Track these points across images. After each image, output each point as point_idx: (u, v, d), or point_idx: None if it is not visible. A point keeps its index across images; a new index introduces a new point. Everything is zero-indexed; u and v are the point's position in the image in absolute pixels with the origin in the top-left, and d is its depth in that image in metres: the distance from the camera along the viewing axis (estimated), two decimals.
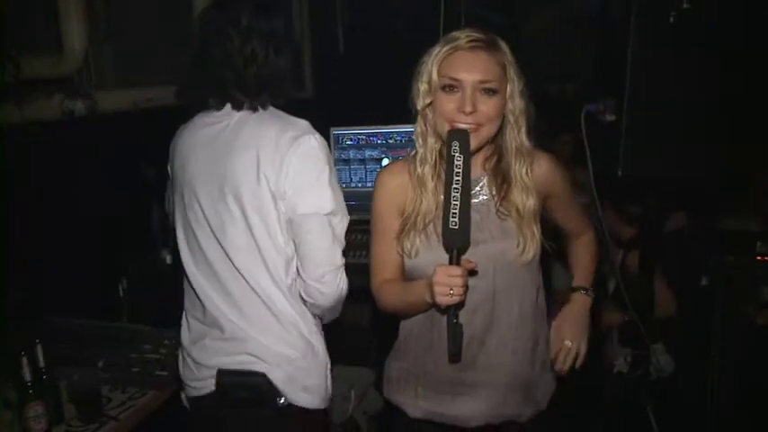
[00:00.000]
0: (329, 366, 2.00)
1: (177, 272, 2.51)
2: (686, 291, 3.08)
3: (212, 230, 1.90)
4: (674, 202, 3.18)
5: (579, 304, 1.98)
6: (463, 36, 1.68)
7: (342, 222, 1.89)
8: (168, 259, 2.59)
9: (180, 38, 3.24)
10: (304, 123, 1.90)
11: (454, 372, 1.81)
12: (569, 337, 1.91)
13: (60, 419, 2.06)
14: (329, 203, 1.85)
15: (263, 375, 1.87)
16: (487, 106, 1.66)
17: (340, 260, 1.90)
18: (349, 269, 2.27)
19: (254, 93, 1.87)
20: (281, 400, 1.89)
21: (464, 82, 1.65)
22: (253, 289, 1.88)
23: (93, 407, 2.09)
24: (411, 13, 4.02)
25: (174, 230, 2.08)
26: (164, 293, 2.87)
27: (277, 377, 1.87)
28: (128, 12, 3.12)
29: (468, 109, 1.64)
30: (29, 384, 1.93)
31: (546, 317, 1.92)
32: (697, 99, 2.16)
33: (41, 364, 2.00)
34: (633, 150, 2.19)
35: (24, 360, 1.92)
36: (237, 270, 1.89)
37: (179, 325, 2.13)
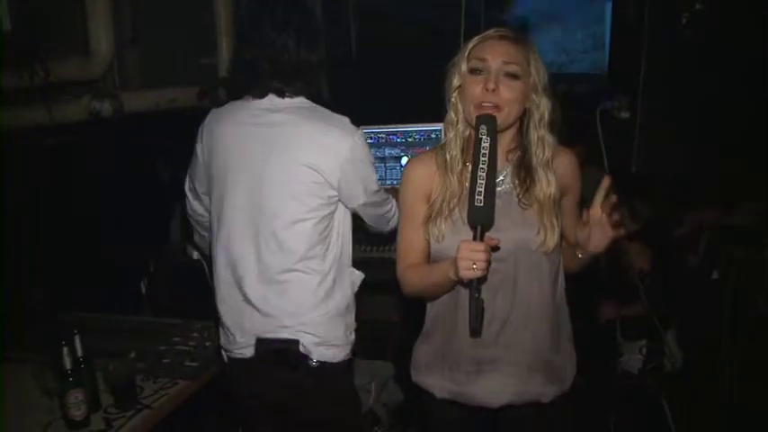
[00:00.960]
0: (354, 325, 2.22)
1: (201, 264, 2.61)
2: (698, 285, 3.14)
3: (254, 210, 2.08)
4: (688, 203, 3.23)
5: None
6: (492, 30, 1.83)
7: (378, 195, 2.19)
8: (195, 255, 2.66)
9: (202, 40, 3.34)
10: (344, 120, 2.10)
11: (477, 350, 1.89)
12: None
13: (98, 407, 2.12)
14: (367, 192, 2.13)
15: (296, 342, 2.07)
16: (509, 89, 1.77)
17: (390, 221, 2.26)
18: (370, 263, 2.39)
19: (288, 79, 2.05)
20: (313, 362, 2.09)
21: (489, 62, 1.77)
22: (289, 269, 2.08)
23: (128, 395, 2.15)
24: (422, 17, 4.10)
25: (208, 212, 2.25)
26: (185, 290, 2.95)
27: (307, 342, 2.08)
28: (152, 15, 3.19)
29: (491, 86, 1.75)
30: (69, 372, 2.00)
31: (566, 309, 1.99)
32: (710, 98, 2.22)
33: (80, 353, 2.07)
34: (647, 147, 2.26)
35: (65, 350, 2.00)
36: (272, 252, 2.08)
37: (204, 318, 2.27)
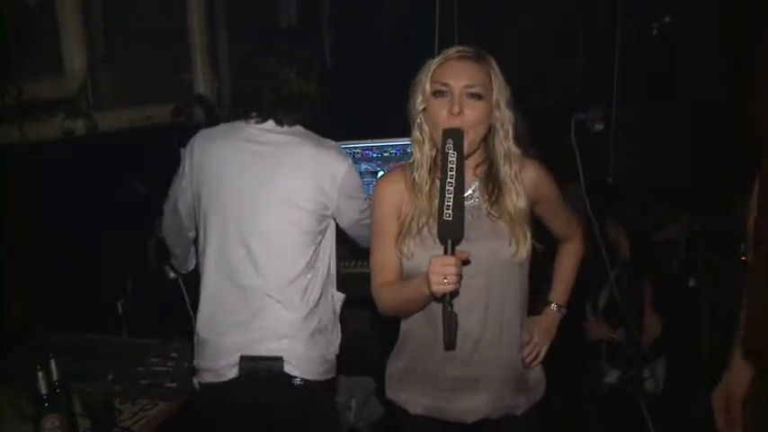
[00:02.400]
0: (337, 345, 2.28)
1: (178, 284, 2.59)
2: (674, 292, 3.15)
3: (247, 229, 2.14)
4: (668, 212, 3.25)
5: (550, 318, 2.14)
6: (453, 49, 1.86)
7: (367, 212, 2.22)
8: (172, 274, 2.64)
9: (176, 57, 3.32)
10: (337, 146, 2.25)
11: (452, 368, 1.91)
12: (538, 336, 2.05)
13: None
14: (360, 211, 2.26)
15: (279, 359, 2.11)
16: (473, 111, 1.79)
17: None
18: (350, 278, 2.40)
19: (288, 110, 2.18)
20: (297, 380, 2.13)
21: (452, 86, 1.79)
22: (277, 288, 2.14)
23: (106, 419, 2.13)
24: (396, 29, 4.10)
25: (196, 232, 2.31)
26: (163, 309, 2.92)
27: (291, 360, 2.12)
28: (124, 32, 3.17)
29: (456, 110, 1.77)
30: (45, 397, 1.97)
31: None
32: (682, 106, 2.25)
33: (55, 377, 2.04)
34: (622, 158, 2.28)
35: (40, 374, 1.97)
36: (262, 269, 2.14)
37: (182, 337, 2.30)
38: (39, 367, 1.98)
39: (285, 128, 2.20)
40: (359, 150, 3.20)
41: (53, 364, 2.04)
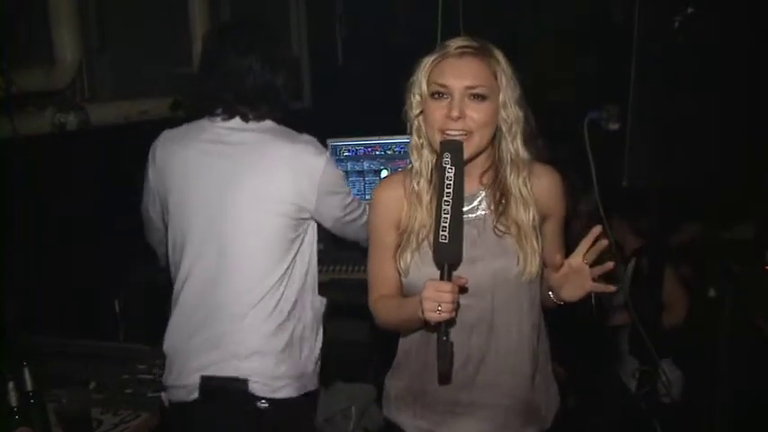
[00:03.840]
0: (316, 355, 2.15)
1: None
2: (694, 303, 3.02)
3: (217, 236, 2.00)
4: (683, 213, 3.12)
5: None
6: (452, 44, 1.66)
7: (351, 206, 2.15)
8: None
9: (176, 48, 3.22)
10: (312, 140, 2.09)
11: (452, 392, 1.75)
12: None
13: None
14: (342, 207, 2.12)
15: (244, 381, 1.97)
16: (477, 113, 1.62)
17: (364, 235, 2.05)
18: (348, 285, 2.27)
19: (253, 104, 2.03)
20: (263, 403, 1.99)
21: (451, 87, 1.61)
22: (240, 308, 2.00)
23: (82, 431, 2.02)
24: (410, 25, 4.01)
25: (165, 238, 2.16)
26: (158, 313, 2.83)
27: (258, 380, 1.98)
28: (122, 22, 3.07)
29: (456, 114, 1.59)
30: (15, 410, 1.86)
31: (545, 334, 1.85)
32: (703, 106, 2.10)
33: (29, 387, 1.92)
34: (638, 160, 2.13)
35: (11, 384, 1.85)
36: (232, 283, 2.00)
37: None
38: (10, 376, 1.86)
39: (253, 124, 2.04)
40: (361, 147, 3.07)
41: (27, 373, 1.93)
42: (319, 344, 2.16)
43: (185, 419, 2.07)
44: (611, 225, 2.97)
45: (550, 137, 2.91)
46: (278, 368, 2.00)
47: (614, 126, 2.19)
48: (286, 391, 2.02)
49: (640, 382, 2.72)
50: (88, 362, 2.46)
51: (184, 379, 2.02)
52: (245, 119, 2.04)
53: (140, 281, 3.15)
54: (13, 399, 1.85)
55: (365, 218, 2.18)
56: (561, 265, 1.61)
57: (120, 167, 3.09)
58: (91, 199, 3.03)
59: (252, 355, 1.99)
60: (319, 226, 2.15)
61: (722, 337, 2.80)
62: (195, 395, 2.00)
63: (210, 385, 1.99)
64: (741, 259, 2.81)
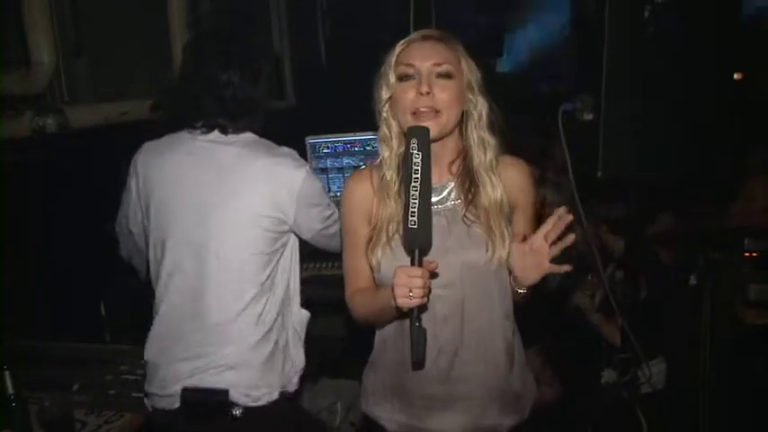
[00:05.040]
0: (300, 366, 2.14)
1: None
2: (675, 291, 3.03)
3: (199, 248, 2.00)
4: (658, 204, 3.13)
5: None
6: (416, 33, 1.74)
7: (332, 218, 2.14)
8: None
9: (156, 51, 3.21)
10: (292, 152, 2.09)
11: (428, 386, 1.77)
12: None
13: None
14: (322, 220, 2.11)
15: (223, 392, 1.98)
16: (444, 91, 1.66)
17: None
18: (330, 281, 2.28)
19: (233, 117, 2.03)
20: (238, 411, 1.99)
21: (419, 66, 1.67)
22: (221, 320, 2.00)
23: None
24: (391, 25, 4.02)
25: (146, 246, 2.14)
26: (143, 314, 2.83)
27: (239, 389, 1.99)
28: (100, 24, 3.06)
29: (425, 89, 1.64)
30: None
31: (517, 329, 1.87)
32: (675, 95, 2.12)
33: (10, 390, 1.93)
34: (612, 150, 2.14)
35: None
36: (213, 295, 2.00)
37: None
38: None
39: (232, 137, 2.04)
40: (341, 144, 3.08)
41: (8, 376, 1.94)
42: (302, 356, 2.15)
43: (167, 426, 2.08)
44: (599, 233, 3.01)
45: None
46: (260, 380, 2.01)
47: (588, 117, 2.21)
48: (266, 399, 2.02)
49: (621, 370, 2.73)
50: (71, 364, 2.46)
51: (166, 389, 2.02)
52: (225, 131, 2.03)
53: (125, 282, 3.14)
54: None
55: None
56: (524, 240, 1.64)
57: (100, 169, 3.09)
58: (72, 201, 3.02)
59: (234, 367, 1.99)
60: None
61: (703, 325, 2.82)
62: (177, 404, 2.01)
63: (192, 397, 1.99)
64: (721, 247, 2.84)
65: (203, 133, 2.04)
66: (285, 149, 2.09)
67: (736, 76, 2.16)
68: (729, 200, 3.01)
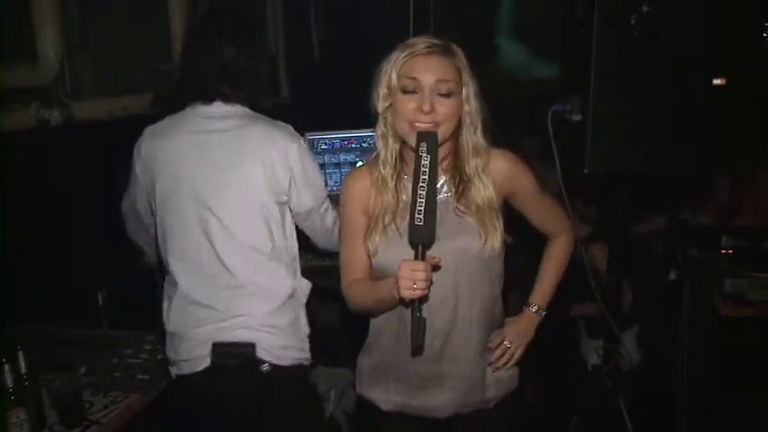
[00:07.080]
0: (307, 332, 2.26)
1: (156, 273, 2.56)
2: (655, 286, 3.15)
3: (211, 219, 2.11)
4: (648, 204, 3.23)
5: (527, 320, 2.07)
6: (420, 42, 1.79)
7: (326, 201, 2.27)
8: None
9: (158, 45, 3.28)
10: (288, 126, 2.20)
11: (422, 365, 1.90)
12: (510, 339, 2.00)
13: (43, 425, 2.06)
14: (315, 196, 2.21)
15: (251, 345, 2.10)
16: (445, 107, 1.76)
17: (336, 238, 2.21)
18: (326, 270, 2.37)
19: (235, 85, 2.12)
20: (266, 367, 2.12)
21: (422, 83, 1.75)
22: (241, 283, 2.12)
23: (75, 411, 2.10)
24: (384, 22, 4.08)
25: (155, 227, 2.26)
26: (142, 302, 2.89)
27: (263, 347, 2.11)
28: (104, 19, 3.13)
29: (427, 108, 1.73)
30: (11, 391, 1.94)
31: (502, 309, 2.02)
32: (660, 97, 2.23)
33: (23, 370, 2.00)
34: (598, 148, 2.25)
35: (6, 366, 1.93)
36: (228, 261, 2.12)
37: (159, 328, 2.29)
38: (4, 360, 1.94)
39: (231, 108, 2.14)
40: (338, 141, 3.17)
41: (21, 356, 2.01)
42: (307, 324, 2.27)
43: (194, 390, 2.18)
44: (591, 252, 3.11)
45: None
46: (284, 341, 2.14)
47: (577, 117, 2.32)
48: (290, 361, 2.16)
49: (604, 359, 2.84)
50: (77, 348, 2.52)
51: (194, 350, 2.13)
52: (226, 99, 2.13)
53: (123, 273, 3.20)
54: (8, 380, 1.93)
55: (335, 221, 2.30)
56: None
57: (103, 162, 3.14)
58: (75, 193, 3.08)
59: (258, 328, 2.12)
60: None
61: (683, 319, 2.95)
62: (206, 363, 2.12)
63: (222, 351, 2.11)
64: (699, 243, 2.96)
65: (204, 104, 2.14)
66: (281, 123, 2.20)
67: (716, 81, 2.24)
68: (709, 198, 3.13)
